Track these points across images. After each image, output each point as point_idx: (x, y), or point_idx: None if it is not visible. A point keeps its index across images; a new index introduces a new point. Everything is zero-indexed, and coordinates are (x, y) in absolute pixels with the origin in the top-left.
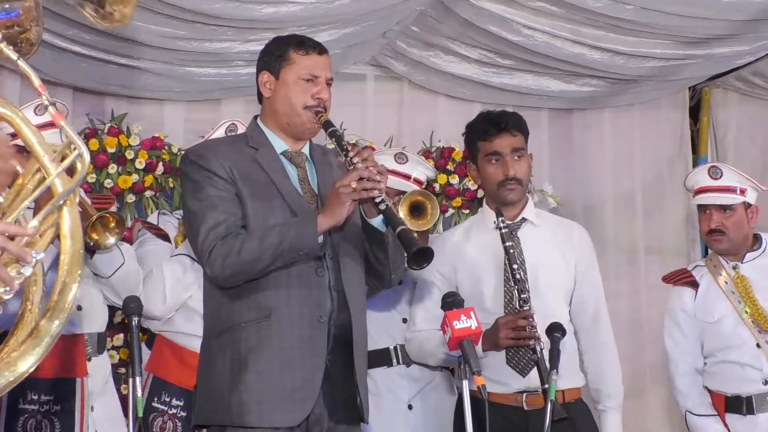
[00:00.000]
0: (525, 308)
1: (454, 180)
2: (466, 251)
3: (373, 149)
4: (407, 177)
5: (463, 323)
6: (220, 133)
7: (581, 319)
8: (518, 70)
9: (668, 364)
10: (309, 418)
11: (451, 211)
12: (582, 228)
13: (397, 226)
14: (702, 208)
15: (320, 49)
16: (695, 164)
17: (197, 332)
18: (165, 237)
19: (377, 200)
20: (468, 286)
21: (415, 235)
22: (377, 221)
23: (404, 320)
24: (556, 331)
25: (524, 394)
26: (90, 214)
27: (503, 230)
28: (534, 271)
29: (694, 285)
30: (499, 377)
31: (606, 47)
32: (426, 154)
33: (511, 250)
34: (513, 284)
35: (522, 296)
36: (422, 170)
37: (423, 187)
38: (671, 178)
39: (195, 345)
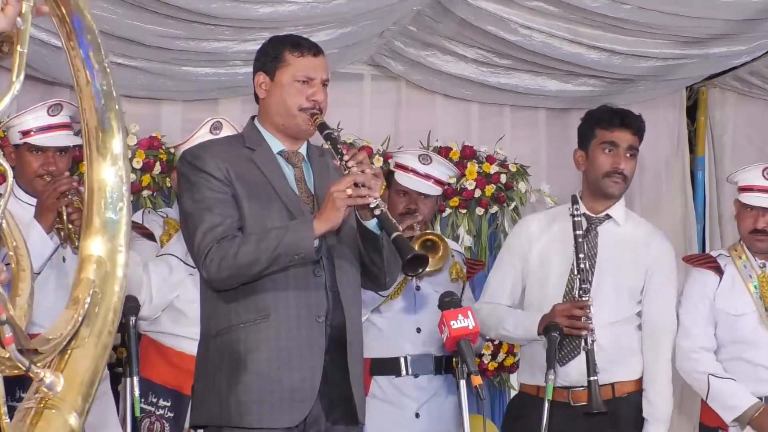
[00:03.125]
0: (584, 298)
1: (452, 180)
2: (544, 235)
3: (370, 150)
4: (428, 177)
5: (461, 323)
6: (204, 131)
7: (644, 326)
8: (516, 69)
9: (682, 340)
10: (306, 418)
11: (448, 210)
12: (664, 238)
13: (392, 232)
14: (747, 206)
15: (316, 50)
16: (693, 164)
17: (183, 333)
18: (150, 236)
19: (372, 205)
20: (536, 269)
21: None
22: (372, 224)
23: (418, 330)
24: (553, 331)
25: (569, 390)
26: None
27: (576, 218)
28: (604, 268)
29: (719, 271)
30: (542, 368)
31: (603, 47)
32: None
33: (580, 239)
34: (576, 273)
35: (583, 286)
36: (445, 171)
37: (444, 187)
38: (668, 178)
39: (181, 345)
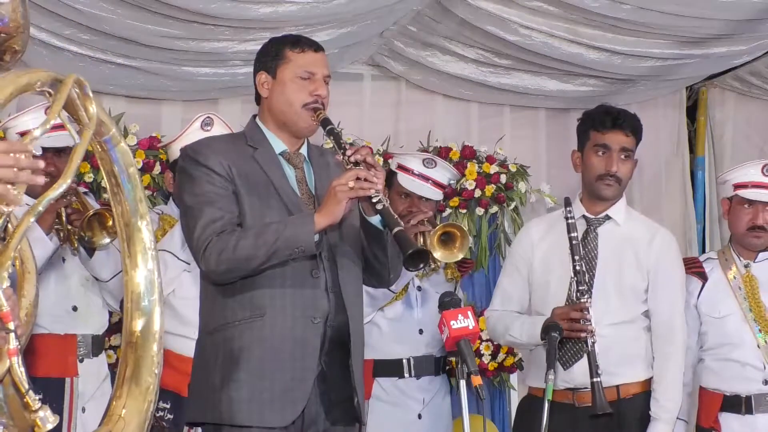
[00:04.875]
0: (581, 300)
1: (453, 182)
2: (547, 240)
3: (371, 149)
4: (431, 181)
5: (461, 323)
6: (195, 126)
7: (653, 325)
8: (515, 69)
9: None
10: (304, 418)
11: (448, 210)
12: (668, 234)
13: (393, 227)
14: (745, 201)
15: (316, 47)
16: (693, 164)
17: (178, 331)
18: None
19: (374, 200)
20: (539, 274)
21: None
22: (377, 219)
23: (420, 331)
24: (553, 330)
25: (573, 392)
26: (87, 210)
27: (569, 221)
28: (605, 269)
29: (702, 276)
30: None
31: (603, 47)
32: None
33: (575, 242)
34: (573, 275)
35: (580, 288)
36: (447, 175)
37: (444, 190)
38: (668, 178)
39: (177, 346)
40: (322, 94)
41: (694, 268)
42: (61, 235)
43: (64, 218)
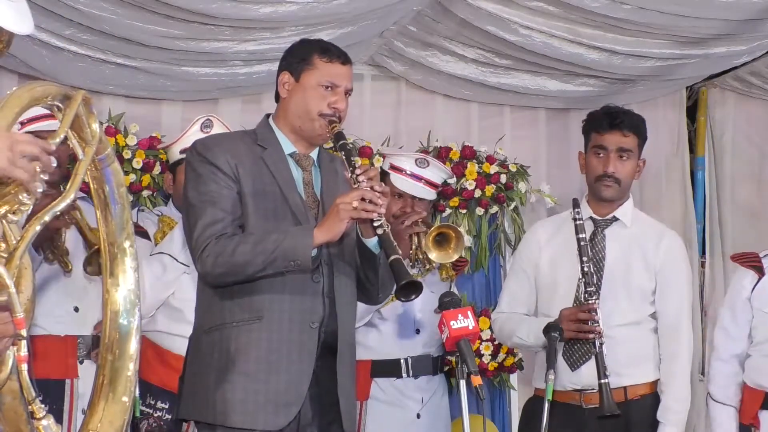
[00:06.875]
0: (590, 302)
1: (452, 180)
2: (554, 240)
3: (370, 150)
4: (425, 181)
5: (460, 323)
6: (195, 129)
7: (660, 327)
8: (516, 69)
9: (720, 338)
10: (300, 421)
11: (448, 210)
12: (675, 236)
13: (390, 255)
14: None
15: (344, 59)
16: (693, 164)
17: (180, 332)
18: (144, 234)
19: (376, 224)
20: (547, 275)
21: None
22: (372, 242)
23: (417, 331)
24: (552, 330)
25: (581, 393)
26: (83, 230)
27: (578, 222)
28: (613, 270)
29: (760, 271)
30: (555, 371)
31: (603, 47)
32: (423, 153)
33: (583, 243)
34: (581, 277)
35: (588, 289)
36: (441, 175)
37: (438, 190)
38: (668, 178)
39: (176, 346)
40: (340, 107)
41: (752, 262)
42: (50, 256)
43: (62, 241)
